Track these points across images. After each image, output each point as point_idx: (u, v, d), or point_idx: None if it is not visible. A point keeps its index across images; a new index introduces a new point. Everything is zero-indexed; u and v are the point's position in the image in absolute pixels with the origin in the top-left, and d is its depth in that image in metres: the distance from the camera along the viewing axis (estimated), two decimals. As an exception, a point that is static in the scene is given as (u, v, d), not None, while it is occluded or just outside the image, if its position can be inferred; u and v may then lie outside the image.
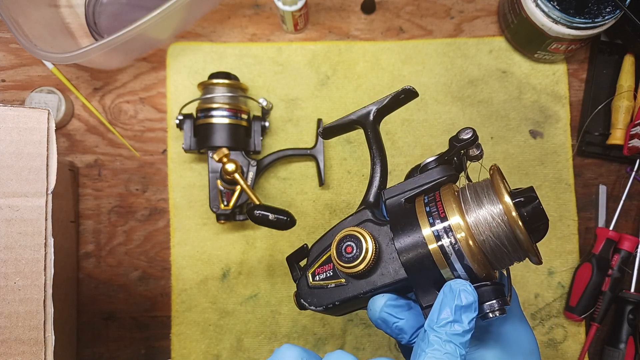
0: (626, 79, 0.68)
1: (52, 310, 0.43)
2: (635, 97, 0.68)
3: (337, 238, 0.39)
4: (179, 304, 0.68)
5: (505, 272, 0.41)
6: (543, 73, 0.71)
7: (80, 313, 0.68)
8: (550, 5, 0.60)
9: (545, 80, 0.71)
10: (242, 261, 0.69)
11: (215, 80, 0.65)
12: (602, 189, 0.69)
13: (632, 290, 0.66)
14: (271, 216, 0.59)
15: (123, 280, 0.69)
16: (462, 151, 0.40)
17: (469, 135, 0.39)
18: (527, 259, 0.36)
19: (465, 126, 0.39)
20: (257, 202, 0.61)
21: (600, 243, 0.67)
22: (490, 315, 0.35)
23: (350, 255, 0.38)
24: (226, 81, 0.65)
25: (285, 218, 0.58)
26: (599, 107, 0.69)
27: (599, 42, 0.70)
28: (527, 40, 0.67)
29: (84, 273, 0.69)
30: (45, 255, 0.43)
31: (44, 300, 0.42)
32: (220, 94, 0.65)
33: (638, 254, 0.66)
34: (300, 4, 0.65)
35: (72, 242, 0.67)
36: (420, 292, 0.37)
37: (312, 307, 0.41)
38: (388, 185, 0.42)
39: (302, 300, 0.42)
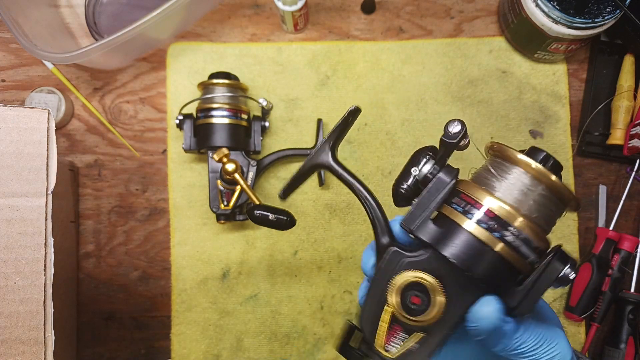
0: (626, 79, 0.68)
1: (52, 310, 0.43)
2: (635, 97, 0.68)
3: (394, 291, 0.35)
4: (179, 304, 0.68)
5: None
6: (543, 73, 0.71)
7: (80, 313, 0.68)
8: (550, 5, 0.60)
9: (545, 80, 0.71)
10: (242, 261, 0.69)
11: (215, 80, 0.65)
12: (602, 189, 0.69)
13: (632, 290, 0.66)
14: (271, 216, 0.58)
15: (123, 280, 0.69)
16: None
17: (459, 128, 0.36)
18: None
19: (453, 119, 0.37)
20: (257, 202, 0.61)
21: (600, 243, 0.67)
22: (570, 277, 0.34)
23: (419, 307, 0.35)
24: (226, 81, 0.65)
25: (285, 218, 0.58)
26: (599, 107, 0.69)
27: (599, 42, 0.70)
28: (527, 40, 0.67)
29: (84, 273, 0.69)
30: (45, 255, 0.43)
31: (44, 300, 0.42)
32: (220, 94, 0.65)
33: (638, 254, 0.66)
34: (300, 4, 0.64)
35: (72, 242, 0.67)
36: (505, 295, 0.35)
37: None
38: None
39: None
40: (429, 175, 0.37)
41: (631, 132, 0.66)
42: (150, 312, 0.69)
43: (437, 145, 0.39)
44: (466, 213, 0.35)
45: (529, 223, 0.34)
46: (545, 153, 0.36)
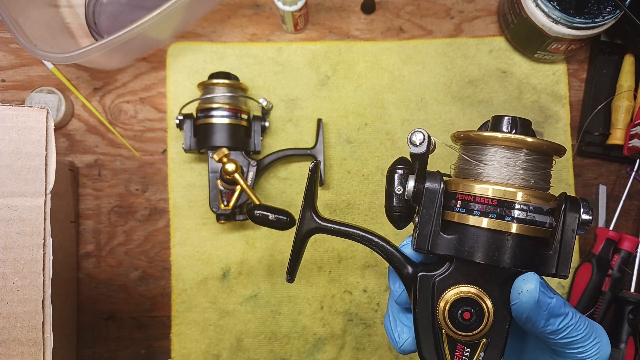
0: (626, 79, 0.68)
1: (51, 310, 0.42)
2: (635, 97, 0.68)
3: (443, 316, 0.34)
4: (179, 304, 0.68)
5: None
6: (543, 73, 0.71)
7: (80, 313, 0.68)
8: (550, 5, 0.60)
9: (545, 80, 0.71)
10: (242, 261, 0.69)
11: (215, 80, 0.65)
12: (602, 189, 0.69)
13: (632, 290, 0.66)
14: (271, 216, 0.59)
15: (123, 280, 0.69)
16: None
17: (422, 136, 0.36)
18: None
19: (413, 130, 0.36)
20: (257, 202, 0.61)
21: (600, 243, 0.67)
22: (589, 218, 0.34)
23: (472, 320, 0.34)
24: (226, 81, 0.65)
25: (285, 218, 0.58)
26: (599, 107, 0.69)
27: (599, 42, 0.70)
28: (527, 40, 0.67)
29: (84, 273, 0.69)
30: (44, 256, 0.42)
31: (43, 301, 0.42)
32: (220, 94, 0.65)
33: (638, 254, 0.66)
34: (300, 4, 0.64)
35: (72, 242, 0.67)
36: (540, 267, 0.34)
37: None
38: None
39: None
40: (416, 190, 0.36)
41: (631, 132, 0.66)
42: (150, 312, 0.69)
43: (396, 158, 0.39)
44: (469, 211, 0.34)
45: (530, 192, 0.34)
46: (508, 118, 0.36)
